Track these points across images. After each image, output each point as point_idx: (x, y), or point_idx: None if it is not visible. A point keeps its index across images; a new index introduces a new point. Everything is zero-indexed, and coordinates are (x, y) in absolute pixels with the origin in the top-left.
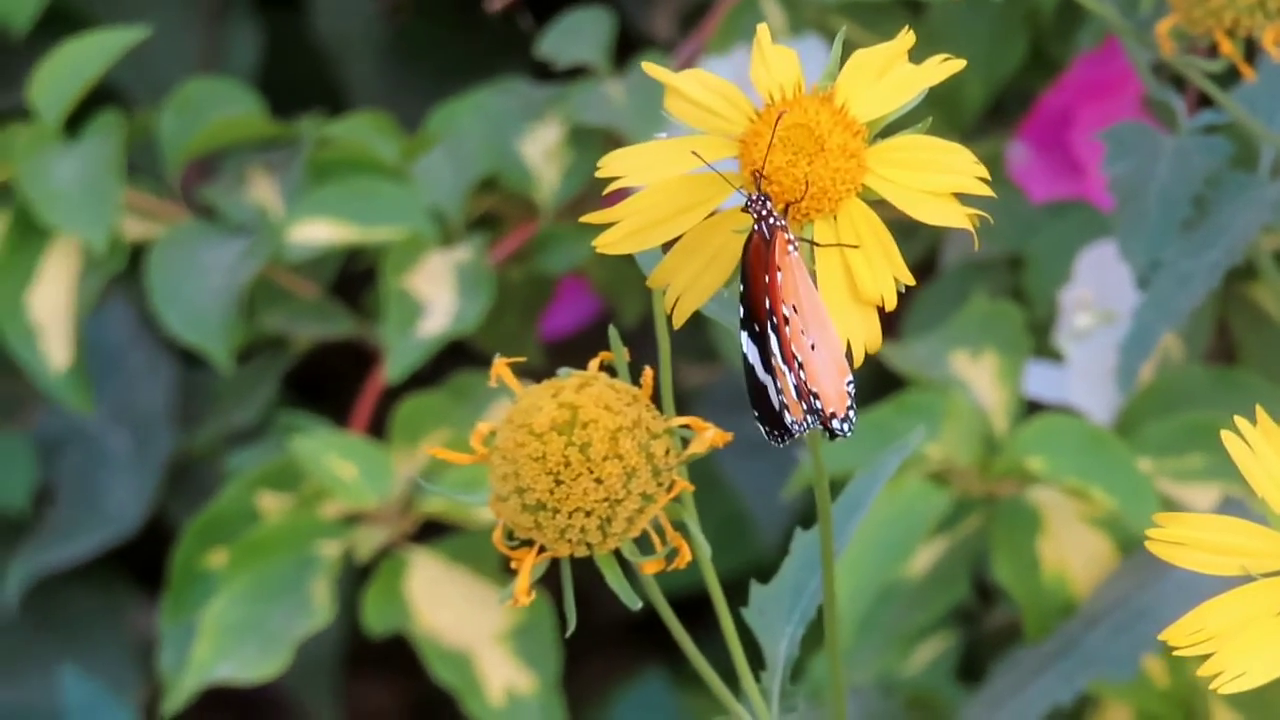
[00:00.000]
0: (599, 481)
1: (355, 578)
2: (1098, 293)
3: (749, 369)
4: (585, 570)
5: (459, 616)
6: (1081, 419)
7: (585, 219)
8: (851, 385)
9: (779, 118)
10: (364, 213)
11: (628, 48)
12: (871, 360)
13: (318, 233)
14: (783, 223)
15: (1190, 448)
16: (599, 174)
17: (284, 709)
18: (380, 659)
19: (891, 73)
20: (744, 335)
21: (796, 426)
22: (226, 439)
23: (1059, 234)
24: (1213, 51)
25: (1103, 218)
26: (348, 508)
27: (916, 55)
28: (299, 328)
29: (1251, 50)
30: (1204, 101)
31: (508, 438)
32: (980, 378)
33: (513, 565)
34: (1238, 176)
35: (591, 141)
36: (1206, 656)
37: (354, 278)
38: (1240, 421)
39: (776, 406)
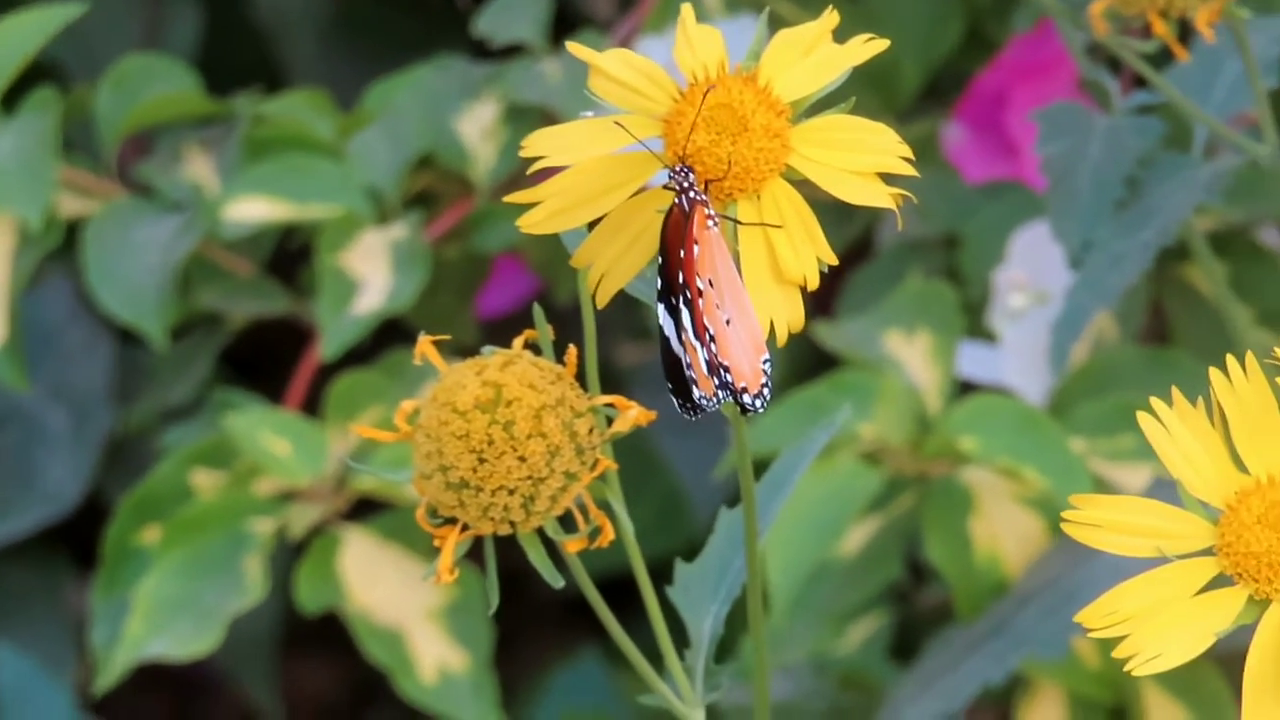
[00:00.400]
0: (522, 459)
1: (293, 557)
2: (1032, 273)
3: (664, 341)
4: (521, 549)
5: (391, 594)
6: (1014, 399)
7: (509, 198)
8: (768, 364)
9: (704, 96)
10: (299, 190)
11: (567, 26)
12: (807, 339)
13: (253, 210)
14: (703, 197)
15: (1123, 428)
16: (522, 154)
17: (220, 688)
18: (319, 639)
19: (816, 52)
20: (660, 308)
21: (705, 401)
22: (162, 416)
23: (994, 214)
24: (1147, 32)
25: (1037, 199)
26: (281, 485)
27: (854, 35)
28: (234, 305)
29: (1186, 31)
30: (1140, 83)
31: (432, 416)
32: (914, 357)
33: (436, 543)
34: (1171, 157)
35: (528, 120)
36: (1124, 638)
37: (290, 255)
38: (1157, 403)
39: (688, 380)
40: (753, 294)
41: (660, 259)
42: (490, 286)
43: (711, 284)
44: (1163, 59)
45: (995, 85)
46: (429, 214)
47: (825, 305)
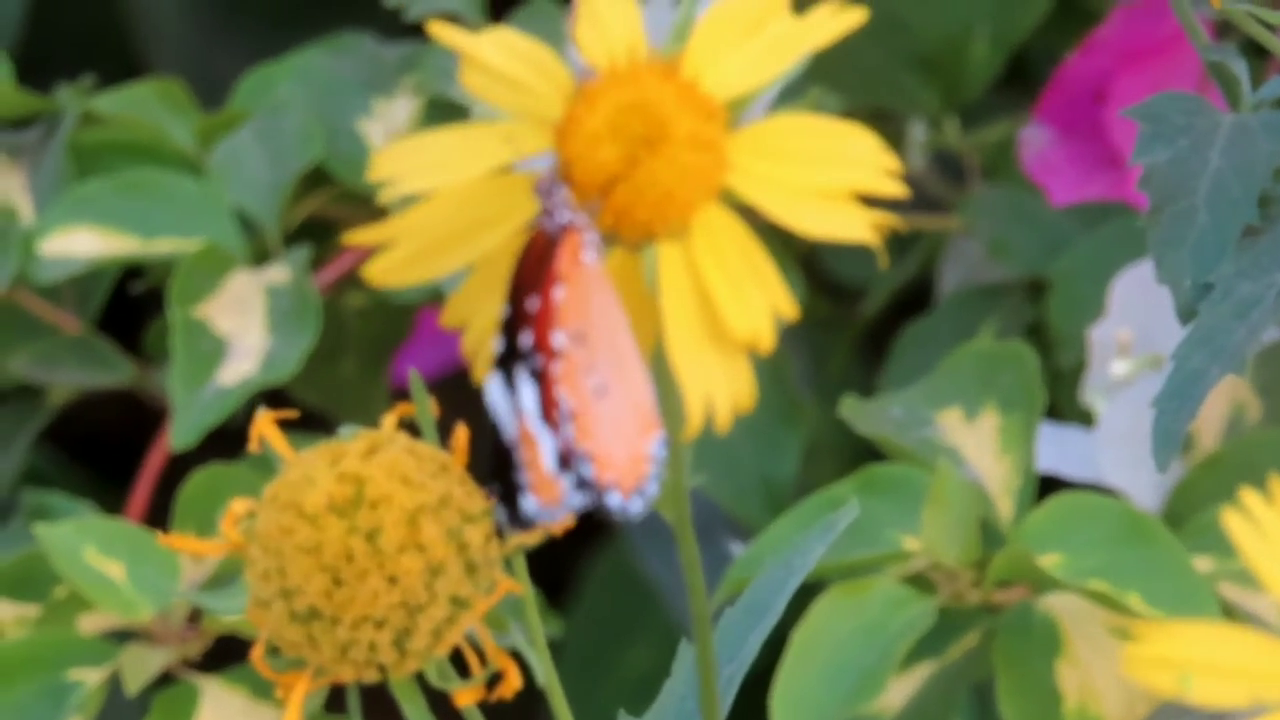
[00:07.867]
0: (393, 581)
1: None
2: (1141, 330)
3: (496, 425)
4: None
5: None
6: (1115, 500)
7: (349, 238)
8: (658, 446)
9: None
10: (144, 217)
11: None
12: (839, 423)
13: (80, 244)
14: (578, 219)
15: None
16: (369, 176)
17: None
18: None
19: (766, 30)
20: (497, 377)
21: (541, 512)
22: None
23: (1092, 250)
24: None
25: None
26: (114, 621)
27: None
28: (57, 373)
29: None
30: None
31: (271, 521)
32: (978, 445)
33: (279, 694)
34: None
35: (456, 120)
36: None
37: (131, 305)
38: (1246, 493)
39: (518, 482)
40: (680, 362)
41: (507, 308)
42: (411, 346)
43: (581, 339)
44: None
45: (1092, 73)
46: (323, 250)
47: (867, 378)
